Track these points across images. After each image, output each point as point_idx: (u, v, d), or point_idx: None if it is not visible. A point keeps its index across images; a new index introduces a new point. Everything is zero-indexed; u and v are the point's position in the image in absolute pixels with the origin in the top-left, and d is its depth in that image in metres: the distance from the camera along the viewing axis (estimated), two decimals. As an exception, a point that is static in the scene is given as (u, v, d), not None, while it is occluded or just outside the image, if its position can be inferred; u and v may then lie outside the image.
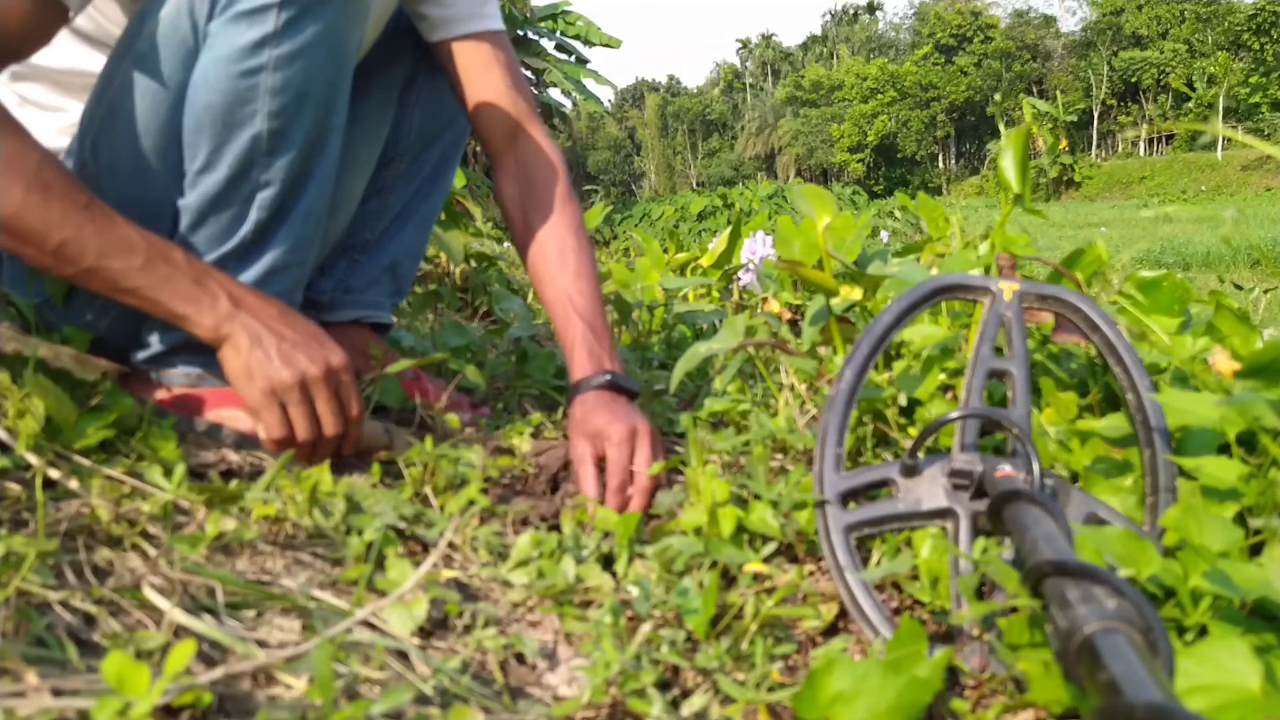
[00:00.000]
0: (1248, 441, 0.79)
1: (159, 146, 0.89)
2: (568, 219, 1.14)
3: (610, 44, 10.21)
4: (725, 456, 1.04)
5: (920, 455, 0.79)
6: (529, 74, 9.60)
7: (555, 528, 0.91)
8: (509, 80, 1.14)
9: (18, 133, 0.81)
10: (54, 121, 0.97)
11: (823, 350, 1.18)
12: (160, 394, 0.99)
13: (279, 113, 0.89)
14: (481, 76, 1.12)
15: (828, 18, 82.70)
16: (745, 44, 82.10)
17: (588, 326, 1.08)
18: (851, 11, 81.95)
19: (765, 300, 1.70)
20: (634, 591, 0.71)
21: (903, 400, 0.98)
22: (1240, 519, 0.73)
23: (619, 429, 0.96)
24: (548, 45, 9.77)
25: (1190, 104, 52.16)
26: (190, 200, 0.91)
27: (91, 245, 0.81)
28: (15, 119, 0.82)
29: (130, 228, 0.84)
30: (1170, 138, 55.06)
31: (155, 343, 0.97)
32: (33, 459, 0.72)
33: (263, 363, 0.85)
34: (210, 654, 0.59)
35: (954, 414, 0.79)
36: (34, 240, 0.81)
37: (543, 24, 9.55)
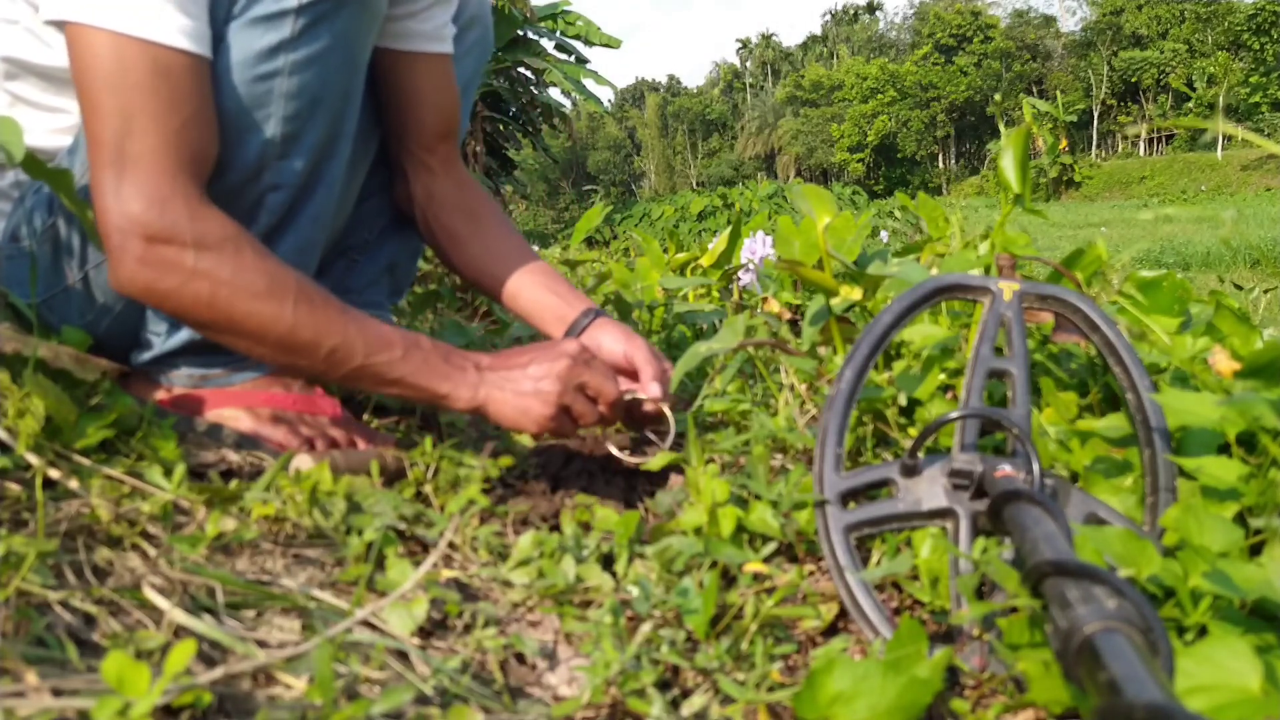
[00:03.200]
0: (1248, 441, 0.79)
1: None
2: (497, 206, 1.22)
3: (610, 44, 10.20)
4: (725, 456, 1.04)
5: (920, 455, 0.79)
6: (529, 74, 9.60)
7: (555, 528, 0.91)
8: (456, 103, 1.18)
9: (270, 253, 0.86)
10: (49, 122, 0.97)
11: (823, 350, 1.18)
12: (160, 394, 0.99)
13: (293, 117, 0.89)
14: (438, 90, 1.15)
15: (828, 18, 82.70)
16: (745, 44, 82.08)
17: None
18: (851, 11, 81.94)
19: (765, 300, 1.70)
20: (634, 591, 0.71)
21: (903, 400, 0.98)
22: (1240, 519, 0.73)
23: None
24: (548, 45, 9.76)
25: (1190, 104, 52.17)
26: None
27: (359, 345, 0.86)
28: (263, 246, 0.86)
29: (382, 324, 0.89)
30: (1170, 138, 55.07)
31: (157, 343, 0.97)
32: (33, 459, 0.72)
33: (526, 395, 0.89)
34: (210, 654, 0.59)
35: (954, 414, 0.79)
36: (308, 351, 0.85)
37: (543, 24, 9.55)
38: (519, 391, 0.89)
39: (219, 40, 0.87)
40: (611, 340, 1.08)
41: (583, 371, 0.91)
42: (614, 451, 1.02)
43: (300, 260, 0.99)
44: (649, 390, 1.03)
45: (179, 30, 0.81)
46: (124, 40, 0.79)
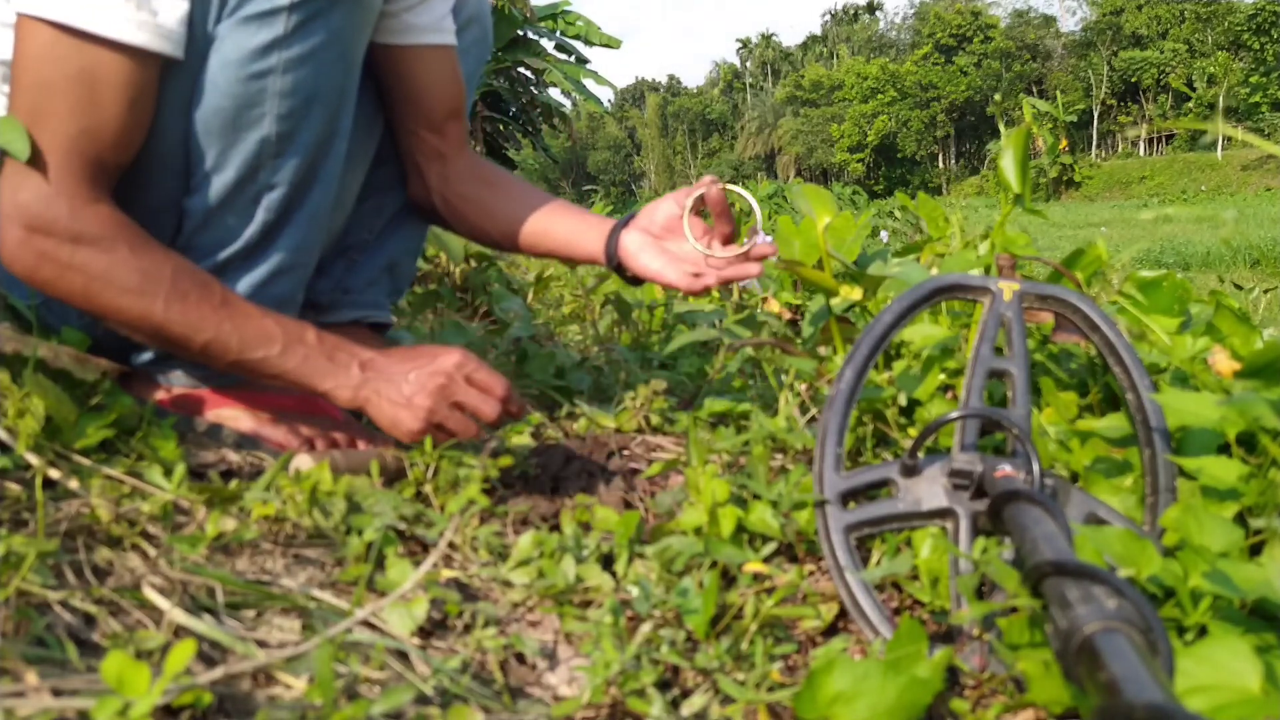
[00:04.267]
0: (1248, 441, 0.79)
1: (165, 149, 0.89)
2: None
3: (610, 44, 10.19)
4: (725, 456, 1.04)
5: (920, 455, 0.79)
6: (529, 74, 9.59)
7: (555, 528, 0.91)
8: (463, 90, 1.18)
9: (152, 247, 0.87)
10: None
11: (823, 350, 1.18)
12: (160, 394, 0.99)
13: (287, 115, 0.90)
14: (444, 83, 1.15)
15: (828, 18, 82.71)
16: (745, 44, 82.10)
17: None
18: (851, 11, 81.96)
19: (765, 300, 1.70)
20: (634, 591, 0.71)
21: (903, 400, 0.98)
22: (1240, 519, 0.73)
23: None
24: (547, 45, 9.75)
25: (1190, 104, 52.17)
26: (197, 202, 0.92)
27: (233, 341, 0.87)
28: (147, 234, 0.87)
29: (266, 317, 0.89)
30: (1170, 138, 55.07)
31: (155, 343, 0.97)
32: (33, 459, 0.72)
33: (399, 406, 0.89)
34: (210, 654, 0.59)
35: (954, 414, 0.79)
36: (181, 344, 0.87)
37: (542, 24, 9.54)
38: (393, 400, 0.89)
39: (211, 39, 0.87)
40: (663, 204, 1.08)
41: (458, 390, 0.90)
42: (698, 247, 1.03)
43: (298, 259, 0.99)
44: (707, 183, 1.04)
45: (132, 23, 0.81)
46: (58, 37, 0.80)
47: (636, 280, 1.11)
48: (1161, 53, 56.66)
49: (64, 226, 0.82)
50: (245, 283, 0.95)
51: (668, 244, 1.08)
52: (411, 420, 0.88)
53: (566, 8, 9.77)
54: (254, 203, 0.93)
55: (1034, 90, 60.64)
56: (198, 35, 0.86)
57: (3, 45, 0.92)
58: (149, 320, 0.85)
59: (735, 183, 1.09)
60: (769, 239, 1.09)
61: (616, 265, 1.10)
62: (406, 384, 0.89)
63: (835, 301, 1.15)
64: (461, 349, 0.93)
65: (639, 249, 1.08)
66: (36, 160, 0.82)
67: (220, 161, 0.90)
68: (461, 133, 1.19)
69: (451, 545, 0.82)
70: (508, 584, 0.77)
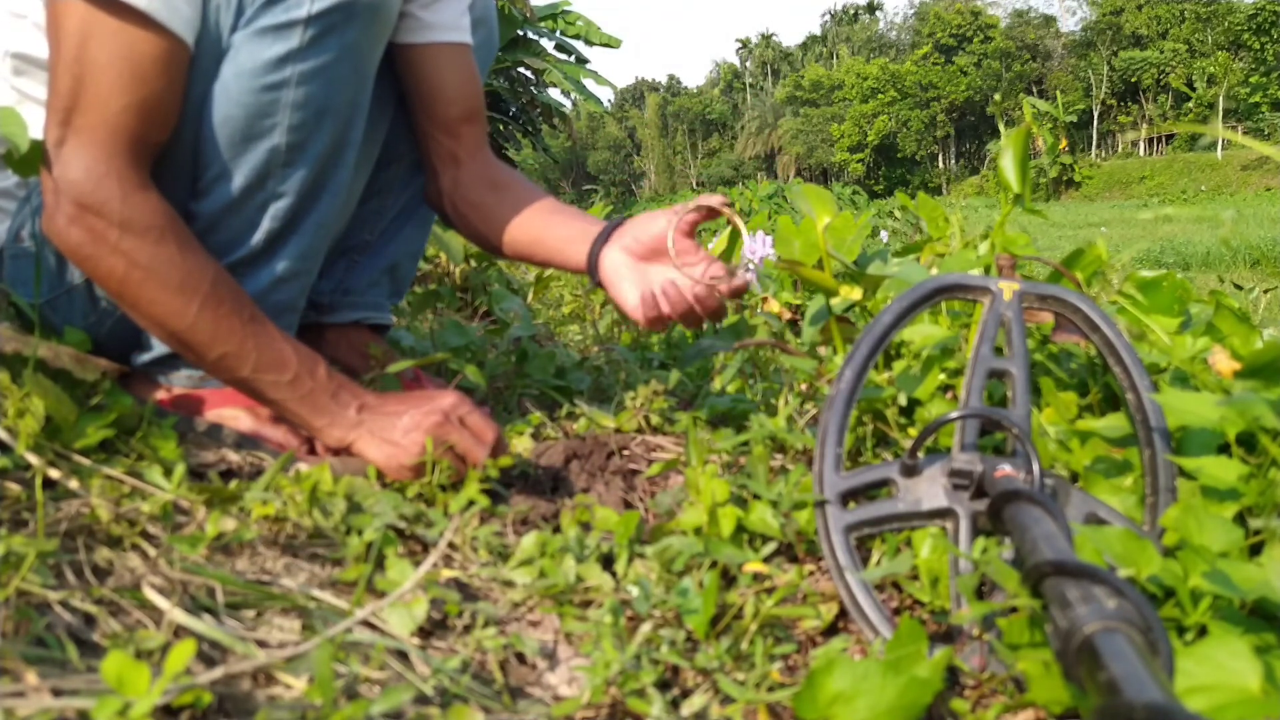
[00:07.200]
0: (1248, 441, 0.79)
1: (174, 152, 0.89)
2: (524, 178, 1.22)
3: (610, 44, 10.19)
4: (725, 456, 1.03)
5: (920, 455, 0.79)
6: (529, 74, 9.59)
7: (555, 528, 0.91)
8: (480, 91, 1.18)
9: (197, 249, 0.87)
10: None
11: (823, 350, 1.18)
12: (160, 394, 0.99)
13: (299, 127, 0.90)
14: (459, 83, 1.14)
15: (828, 18, 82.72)
16: (745, 44, 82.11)
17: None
18: (851, 11, 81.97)
19: (765, 300, 1.70)
20: (634, 591, 0.71)
21: (903, 400, 0.98)
22: (1240, 519, 0.73)
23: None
24: (547, 45, 9.75)
25: (1190, 104, 52.18)
26: (203, 207, 0.92)
27: (250, 360, 0.87)
28: (193, 234, 0.88)
29: (285, 342, 0.90)
30: (1170, 138, 55.06)
31: (158, 345, 0.97)
32: (33, 459, 0.72)
33: (390, 446, 0.90)
34: (210, 654, 0.59)
35: (954, 414, 0.79)
36: (198, 350, 0.87)
37: (542, 24, 9.54)
38: (387, 439, 0.90)
39: (227, 48, 0.87)
40: (657, 220, 1.07)
41: (452, 430, 0.90)
42: (690, 275, 1.02)
43: (303, 266, 0.99)
44: (706, 200, 1.05)
45: (162, 4, 0.81)
46: (97, 13, 0.80)
47: None
48: (1161, 53, 56.66)
49: (115, 209, 0.83)
50: (248, 288, 0.95)
51: (651, 266, 1.07)
52: (404, 457, 0.89)
53: (566, 8, 9.77)
54: (261, 210, 0.93)
55: (1034, 90, 60.64)
56: (213, 43, 0.87)
57: (11, 36, 0.92)
58: (177, 320, 0.85)
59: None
60: (762, 259, 1.09)
61: (598, 282, 1.10)
62: (402, 422, 0.90)
63: (835, 301, 1.15)
64: (458, 392, 0.94)
65: (617, 275, 1.07)
66: (83, 136, 0.82)
67: (229, 169, 0.90)
68: (477, 136, 1.18)
69: (451, 545, 0.82)
70: (508, 584, 0.77)
